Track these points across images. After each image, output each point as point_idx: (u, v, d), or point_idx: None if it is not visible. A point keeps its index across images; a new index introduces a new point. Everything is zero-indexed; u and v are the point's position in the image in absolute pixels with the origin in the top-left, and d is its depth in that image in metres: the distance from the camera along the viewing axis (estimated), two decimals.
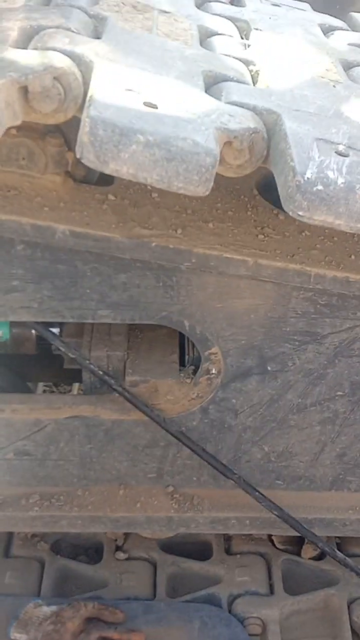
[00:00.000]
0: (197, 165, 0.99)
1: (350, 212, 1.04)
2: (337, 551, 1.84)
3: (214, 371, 1.59)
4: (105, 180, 1.45)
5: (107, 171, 0.98)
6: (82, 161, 0.98)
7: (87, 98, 1.03)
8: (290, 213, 1.05)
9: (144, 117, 1.01)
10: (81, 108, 1.09)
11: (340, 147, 1.12)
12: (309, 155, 1.08)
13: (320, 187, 1.02)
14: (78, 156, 0.98)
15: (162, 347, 1.72)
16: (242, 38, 1.58)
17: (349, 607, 1.97)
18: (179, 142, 0.99)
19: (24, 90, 1.06)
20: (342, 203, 1.03)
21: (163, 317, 1.50)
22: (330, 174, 1.04)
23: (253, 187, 1.56)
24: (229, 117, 1.11)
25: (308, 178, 1.02)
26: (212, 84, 1.27)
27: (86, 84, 1.11)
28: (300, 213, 1.04)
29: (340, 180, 1.04)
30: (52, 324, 1.71)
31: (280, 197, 1.08)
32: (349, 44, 1.66)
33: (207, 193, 1.03)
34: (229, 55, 1.42)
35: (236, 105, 1.18)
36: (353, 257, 1.46)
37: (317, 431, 1.71)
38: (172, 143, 0.98)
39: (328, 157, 1.08)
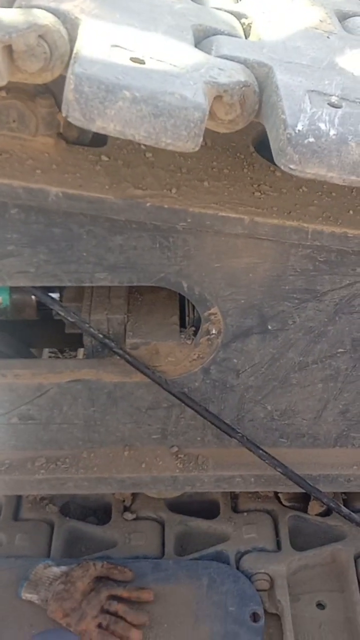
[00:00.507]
0: (185, 120, 0.97)
1: (342, 164, 1.02)
2: (342, 506, 1.85)
3: (214, 331, 1.59)
4: (99, 141, 1.44)
5: (93, 128, 0.96)
6: (68, 119, 0.96)
7: (73, 55, 1.01)
8: (282, 167, 1.04)
9: (130, 73, 1.00)
10: (68, 66, 1.07)
11: (333, 99, 1.10)
12: (301, 107, 1.06)
13: (311, 140, 1.01)
14: (64, 114, 0.96)
15: (163, 310, 1.72)
16: None
17: (355, 561, 2.00)
18: (166, 97, 0.97)
19: (9, 50, 1.04)
20: (335, 155, 1.01)
21: (161, 279, 1.49)
22: (322, 126, 1.02)
23: (250, 144, 1.54)
24: (218, 71, 1.09)
25: (299, 130, 1.01)
26: (203, 38, 1.24)
27: (72, 42, 1.08)
28: (292, 166, 1.02)
29: (332, 132, 1.02)
30: (52, 289, 1.71)
31: (272, 151, 1.06)
32: None
33: (197, 148, 1.01)
34: (220, 9, 1.39)
35: (226, 58, 1.15)
36: (351, 212, 1.45)
37: (319, 389, 1.71)
38: (159, 98, 0.97)
39: (320, 109, 1.06)
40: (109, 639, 1.76)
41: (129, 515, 2.09)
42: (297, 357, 1.64)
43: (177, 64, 1.07)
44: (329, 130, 1.02)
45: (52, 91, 1.33)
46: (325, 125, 1.03)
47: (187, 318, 1.73)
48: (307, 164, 1.01)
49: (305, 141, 1.00)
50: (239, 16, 1.39)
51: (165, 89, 0.99)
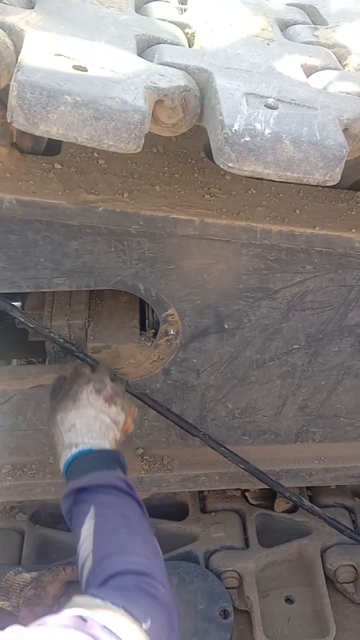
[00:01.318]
0: (126, 122, 1.02)
1: (278, 161, 1.07)
2: (304, 500, 1.89)
3: (172, 332, 1.63)
4: (53, 150, 1.48)
5: (37, 133, 1.01)
6: (13, 124, 1.01)
7: (17, 64, 1.06)
8: (221, 165, 1.08)
9: (72, 80, 1.04)
10: None
11: (270, 101, 1.15)
12: (238, 109, 1.11)
13: (247, 139, 1.06)
14: (9, 120, 1.00)
15: (123, 313, 1.76)
16: (179, 3, 1.60)
17: (322, 555, 2.04)
18: (107, 102, 1.02)
19: None
20: (270, 152, 1.06)
21: (118, 282, 1.53)
22: (258, 126, 1.07)
23: (201, 150, 1.59)
24: (159, 77, 1.14)
25: (235, 130, 1.05)
26: (146, 47, 1.29)
27: (18, 53, 1.13)
28: (230, 165, 1.07)
29: (268, 131, 1.07)
30: (15, 298, 1.74)
31: (212, 151, 1.11)
32: (286, 4, 1.67)
33: (139, 150, 1.06)
34: (164, 20, 1.44)
35: (168, 65, 1.20)
36: (298, 211, 1.50)
37: (277, 385, 1.76)
38: (100, 102, 1.01)
39: (257, 110, 1.11)
40: None
41: None
42: (254, 355, 1.69)
43: (118, 71, 1.12)
44: (264, 129, 1.07)
45: (4, 102, 1.37)
46: (261, 125, 1.08)
47: (147, 321, 1.77)
48: (244, 161, 1.06)
49: (242, 140, 1.05)
50: (182, 26, 1.44)
51: (106, 93, 1.03)
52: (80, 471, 1.38)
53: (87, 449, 1.42)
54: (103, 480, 1.36)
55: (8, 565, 1.93)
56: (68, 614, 1.08)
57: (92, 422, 1.45)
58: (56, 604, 1.81)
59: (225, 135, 1.05)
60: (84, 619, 1.06)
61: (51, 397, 1.56)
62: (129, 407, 1.54)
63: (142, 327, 1.75)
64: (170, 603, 1.20)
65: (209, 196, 1.48)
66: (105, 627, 1.05)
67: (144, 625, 1.10)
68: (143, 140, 1.06)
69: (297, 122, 1.12)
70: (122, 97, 1.04)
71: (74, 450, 1.42)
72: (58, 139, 1.02)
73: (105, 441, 1.44)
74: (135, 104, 1.04)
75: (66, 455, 1.43)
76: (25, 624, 1.72)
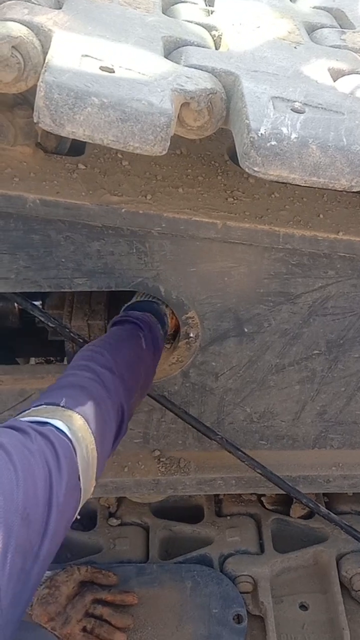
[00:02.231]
0: (152, 125, 1.02)
1: (304, 166, 1.06)
2: (321, 506, 1.88)
3: (192, 335, 1.63)
4: (77, 150, 1.48)
5: (63, 134, 1.01)
6: (39, 125, 1.01)
7: (44, 64, 1.06)
8: (247, 169, 1.08)
9: (99, 81, 1.04)
10: None
11: (297, 105, 1.14)
12: (264, 112, 1.10)
13: (273, 143, 1.05)
14: (35, 120, 1.00)
15: None
16: (206, 5, 1.59)
17: (337, 562, 2.03)
18: (133, 104, 1.02)
19: None
20: (296, 157, 1.06)
21: (138, 284, 1.53)
22: (284, 130, 1.07)
23: (224, 152, 1.59)
24: (186, 79, 1.13)
25: (262, 134, 1.05)
26: (173, 49, 1.29)
27: (45, 53, 1.13)
28: (255, 169, 1.06)
29: (294, 136, 1.06)
30: (35, 298, 1.74)
31: (238, 155, 1.10)
32: (313, 7, 1.67)
33: (164, 152, 1.05)
34: (191, 22, 1.44)
35: (195, 68, 1.20)
36: (321, 216, 1.49)
37: (296, 390, 1.75)
38: (126, 104, 1.01)
39: (283, 114, 1.10)
40: None
41: (114, 521, 2.11)
42: (273, 360, 1.68)
43: (145, 73, 1.11)
44: (291, 134, 1.06)
45: (30, 102, 1.37)
46: (287, 129, 1.07)
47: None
48: (269, 166, 1.06)
49: (268, 144, 1.05)
50: (209, 28, 1.44)
51: (132, 95, 1.03)
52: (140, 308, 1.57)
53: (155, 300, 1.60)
54: (144, 318, 1.52)
55: None
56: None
57: None
58: (70, 604, 1.81)
59: (252, 139, 1.05)
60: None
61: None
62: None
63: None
64: (100, 394, 1.26)
65: (232, 199, 1.48)
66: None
67: (61, 403, 1.18)
68: (169, 143, 1.05)
69: (323, 127, 1.11)
70: (148, 99, 1.04)
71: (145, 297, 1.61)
72: (84, 140, 1.02)
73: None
74: (161, 107, 1.04)
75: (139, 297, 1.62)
76: (38, 622, 1.75)
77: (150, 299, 1.60)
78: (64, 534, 1.06)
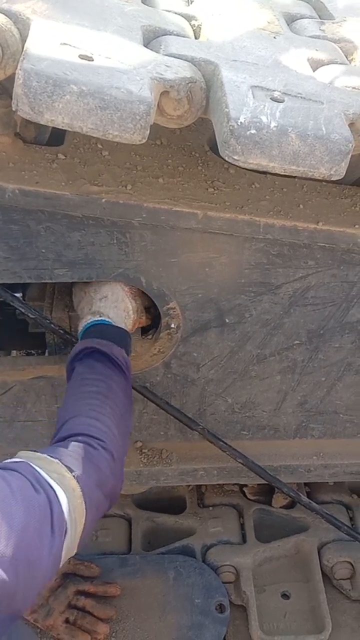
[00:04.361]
0: (131, 113, 1.02)
1: (283, 155, 1.07)
2: (302, 495, 1.89)
3: (173, 326, 1.63)
4: (56, 140, 1.48)
5: (42, 121, 1.00)
6: (18, 113, 1.00)
7: (22, 52, 1.05)
8: (226, 158, 1.08)
9: (78, 69, 1.04)
10: None
11: (276, 94, 1.15)
12: (244, 101, 1.10)
13: (253, 131, 1.05)
14: (14, 108, 1.00)
15: None
16: None
17: (319, 551, 2.04)
18: (112, 91, 1.02)
19: None
20: (275, 146, 1.06)
21: (119, 274, 1.53)
22: (264, 119, 1.07)
23: (205, 143, 1.59)
24: (165, 68, 1.14)
25: (241, 122, 1.05)
26: (152, 38, 1.29)
27: (24, 41, 1.12)
28: (235, 157, 1.07)
29: (273, 124, 1.07)
30: (15, 289, 1.73)
31: (218, 144, 1.11)
32: None
33: (144, 140, 1.05)
34: (171, 11, 1.44)
35: (174, 57, 1.20)
36: (301, 206, 1.50)
37: (277, 381, 1.75)
38: (105, 92, 1.01)
39: (263, 103, 1.11)
40: (76, 634, 1.78)
41: None
42: (255, 350, 1.68)
43: (124, 61, 1.11)
44: (270, 122, 1.07)
45: (9, 91, 1.36)
46: (267, 118, 1.07)
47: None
48: (249, 154, 1.06)
49: (247, 133, 1.05)
50: (189, 18, 1.44)
51: (112, 83, 1.03)
52: (93, 336, 1.48)
53: (108, 322, 1.51)
54: (105, 348, 1.44)
55: None
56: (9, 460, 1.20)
57: (120, 302, 1.55)
58: (52, 596, 1.81)
59: (231, 128, 1.05)
60: (17, 462, 1.17)
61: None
62: (141, 312, 1.62)
63: None
64: (104, 464, 1.28)
65: (213, 189, 1.48)
66: (30, 464, 1.15)
67: (73, 473, 1.19)
68: (148, 131, 1.05)
69: (303, 116, 1.12)
70: (127, 87, 1.04)
71: (97, 318, 1.52)
72: (63, 128, 1.02)
73: (124, 324, 1.54)
74: (141, 95, 1.04)
75: (88, 319, 1.52)
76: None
77: (106, 322, 1.52)
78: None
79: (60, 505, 1.13)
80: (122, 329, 1.52)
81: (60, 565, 1.15)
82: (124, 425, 1.41)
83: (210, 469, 1.88)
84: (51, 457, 1.21)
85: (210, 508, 2.13)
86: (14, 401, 1.72)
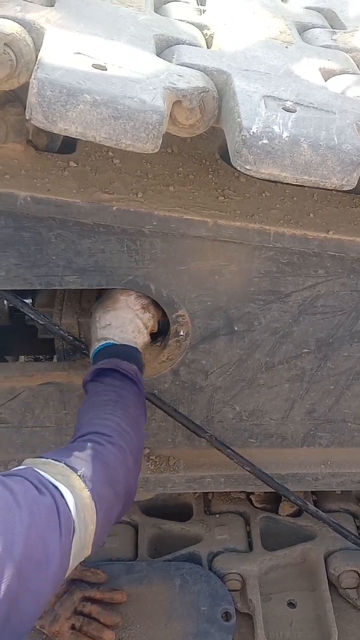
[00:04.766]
0: (144, 122, 1.02)
1: (295, 165, 1.07)
2: (309, 504, 1.89)
3: (182, 333, 1.63)
4: (68, 148, 1.48)
5: (56, 131, 1.01)
6: (32, 122, 1.01)
7: (36, 61, 1.06)
8: (238, 167, 1.08)
9: (92, 78, 1.04)
10: None
11: (288, 104, 1.15)
12: (256, 111, 1.11)
13: (265, 141, 1.06)
14: (27, 117, 1.01)
15: None
16: (198, 4, 1.60)
17: (325, 560, 2.03)
18: (125, 101, 1.02)
19: None
20: (287, 156, 1.06)
21: (129, 282, 1.53)
22: (276, 128, 1.08)
23: (215, 151, 1.59)
24: (178, 77, 1.14)
25: (253, 132, 1.06)
26: (165, 48, 1.29)
27: (38, 50, 1.13)
28: (247, 167, 1.07)
29: (286, 134, 1.07)
30: (25, 295, 1.74)
31: (230, 153, 1.11)
32: (304, 7, 1.68)
33: (156, 150, 1.06)
34: (184, 20, 1.44)
35: (187, 66, 1.21)
36: (312, 215, 1.50)
37: (286, 389, 1.75)
38: (119, 102, 1.02)
39: (275, 113, 1.11)
40: None
41: None
42: (263, 358, 1.68)
43: (137, 71, 1.12)
44: (282, 132, 1.07)
45: (22, 99, 1.37)
46: (279, 128, 1.08)
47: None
48: (261, 164, 1.06)
49: (259, 142, 1.05)
50: (201, 27, 1.44)
51: (125, 93, 1.04)
52: (103, 358, 1.50)
53: (112, 343, 1.53)
54: (114, 365, 1.47)
55: None
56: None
57: (127, 325, 1.57)
58: (59, 602, 1.81)
59: (243, 138, 1.06)
60: (21, 468, 1.17)
61: (96, 299, 1.67)
62: (157, 314, 1.62)
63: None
64: (112, 460, 1.28)
65: (223, 198, 1.48)
66: (34, 469, 1.16)
67: (78, 472, 1.20)
68: (161, 141, 1.06)
69: (315, 126, 1.12)
70: (140, 97, 1.04)
71: (103, 343, 1.54)
72: (76, 137, 1.02)
73: (133, 343, 1.56)
74: (153, 104, 1.04)
75: (95, 345, 1.54)
76: None
77: (110, 343, 1.53)
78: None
79: (66, 504, 1.13)
80: (128, 345, 1.53)
81: (71, 566, 1.15)
82: (137, 426, 1.41)
83: (217, 476, 1.88)
84: (54, 459, 1.22)
85: (217, 515, 2.13)
86: (22, 407, 1.73)
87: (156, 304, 1.61)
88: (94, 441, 1.29)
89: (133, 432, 1.37)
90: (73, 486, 1.17)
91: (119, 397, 1.40)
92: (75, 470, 1.20)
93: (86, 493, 1.18)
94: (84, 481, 1.19)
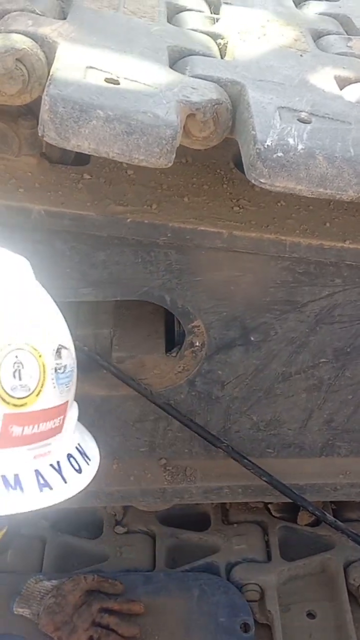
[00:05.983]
0: (158, 137, 1.01)
1: (310, 177, 1.06)
2: (328, 514, 1.87)
3: (197, 344, 1.62)
4: (81, 160, 1.48)
5: (68, 147, 1.00)
6: (45, 139, 1.00)
7: (49, 77, 1.05)
8: (253, 181, 1.07)
9: (104, 93, 1.04)
10: None
11: (303, 115, 1.14)
12: (271, 123, 1.09)
13: (280, 154, 1.04)
14: (40, 134, 1.00)
15: (148, 323, 1.75)
16: (211, 13, 1.59)
17: (345, 570, 2.01)
18: (139, 116, 1.01)
19: None
20: (303, 168, 1.05)
21: (144, 293, 1.53)
22: (291, 141, 1.06)
23: (230, 160, 1.58)
24: (191, 90, 1.13)
25: (268, 145, 1.04)
26: (178, 59, 1.28)
27: (50, 65, 1.13)
28: (262, 180, 1.06)
29: (301, 147, 1.06)
30: None
31: (244, 166, 1.10)
32: (319, 13, 1.66)
33: (170, 164, 1.05)
34: (197, 30, 1.43)
35: (200, 78, 1.20)
36: (328, 224, 1.48)
37: (303, 399, 1.74)
38: (132, 117, 1.01)
39: (290, 125, 1.10)
40: None
41: (120, 529, 2.10)
42: (280, 368, 1.67)
43: (150, 84, 1.11)
44: (297, 145, 1.06)
45: (35, 112, 1.36)
46: (294, 140, 1.06)
47: (175, 331, 1.76)
48: (276, 177, 1.05)
49: (274, 156, 1.04)
50: (215, 37, 1.43)
51: (138, 108, 1.03)
52: None
53: None
54: None
55: (29, 573, 1.93)
56: None
57: None
58: (76, 613, 1.81)
59: (258, 151, 1.04)
60: None
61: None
62: None
63: (171, 338, 1.74)
64: None
65: (238, 208, 1.47)
66: None
67: None
68: (174, 155, 1.05)
69: (330, 137, 1.10)
70: (154, 111, 1.04)
71: None
72: (89, 153, 1.02)
73: None
74: (167, 119, 1.03)
75: None
76: (45, 631, 1.74)
77: None
78: None
79: None
80: None
81: None
82: None
83: (234, 487, 1.87)
84: None
85: (235, 525, 2.11)
86: None
87: None
88: None
89: None
90: None
91: None
92: None
93: None
94: None
